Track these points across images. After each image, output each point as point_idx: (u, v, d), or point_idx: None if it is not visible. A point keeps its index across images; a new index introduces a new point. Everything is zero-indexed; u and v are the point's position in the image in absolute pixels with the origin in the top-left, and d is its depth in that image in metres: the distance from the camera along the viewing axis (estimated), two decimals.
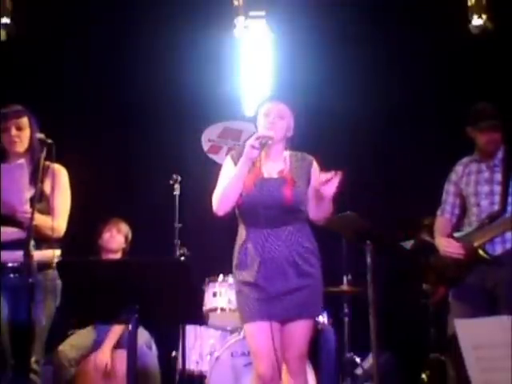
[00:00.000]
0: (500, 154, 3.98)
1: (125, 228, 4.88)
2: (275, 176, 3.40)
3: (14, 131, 3.74)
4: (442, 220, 4.14)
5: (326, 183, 3.21)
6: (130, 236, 4.90)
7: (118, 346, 4.51)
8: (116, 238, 4.82)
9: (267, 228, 3.31)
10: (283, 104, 3.45)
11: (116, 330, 4.51)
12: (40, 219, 3.58)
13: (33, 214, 3.45)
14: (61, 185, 3.80)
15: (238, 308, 3.41)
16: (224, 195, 3.35)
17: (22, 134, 3.76)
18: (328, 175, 3.22)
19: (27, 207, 3.53)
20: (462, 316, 3.64)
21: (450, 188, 4.13)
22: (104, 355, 4.46)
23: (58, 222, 3.69)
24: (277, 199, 3.32)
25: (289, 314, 3.28)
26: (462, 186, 4.05)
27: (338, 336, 4.83)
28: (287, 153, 3.51)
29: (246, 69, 5.76)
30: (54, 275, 3.57)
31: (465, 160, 4.11)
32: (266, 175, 3.40)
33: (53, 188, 3.72)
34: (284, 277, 3.28)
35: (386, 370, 4.81)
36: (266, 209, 3.29)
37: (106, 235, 4.81)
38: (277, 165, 3.43)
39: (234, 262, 3.40)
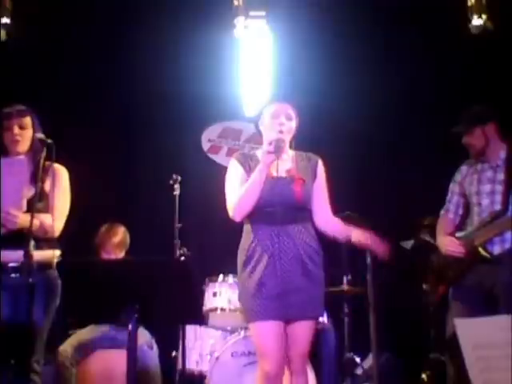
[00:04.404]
0: (503, 155, 3.98)
1: (125, 246, 4.74)
2: (284, 175, 3.41)
3: (16, 130, 3.72)
4: (446, 219, 4.14)
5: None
6: (128, 245, 4.76)
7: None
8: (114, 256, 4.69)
9: (277, 225, 3.31)
10: (290, 105, 3.46)
11: None
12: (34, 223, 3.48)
13: (33, 213, 3.43)
14: (61, 184, 3.79)
15: (243, 306, 3.39)
16: (243, 202, 3.32)
17: (25, 133, 3.74)
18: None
19: (15, 210, 3.49)
20: (461, 316, 3.65)
21: (454, 188, 4.13)
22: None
23: (56, 221, 3.68)
24: (287, 197, 3.33)
25: (294, 313, 3.28)
26: (465, 186, 4.05)
27: (338, 336, 4.83)
28: (292, 152, 3.52)
29: (246, 69, 5.76)
30: (54, 275, 3.57)
31: (471, 160, 4.11)
32: (275, 174, 3.39)
33: (53, 187, 3.70)
34: (291, 275, 3.28)
35: (386, 370, 4.81)
36: (276, 207, 3.31)
37: (104, 256, 4.64)
38: (284, 164, 3.43)
39: (241, 258, 3.37)
